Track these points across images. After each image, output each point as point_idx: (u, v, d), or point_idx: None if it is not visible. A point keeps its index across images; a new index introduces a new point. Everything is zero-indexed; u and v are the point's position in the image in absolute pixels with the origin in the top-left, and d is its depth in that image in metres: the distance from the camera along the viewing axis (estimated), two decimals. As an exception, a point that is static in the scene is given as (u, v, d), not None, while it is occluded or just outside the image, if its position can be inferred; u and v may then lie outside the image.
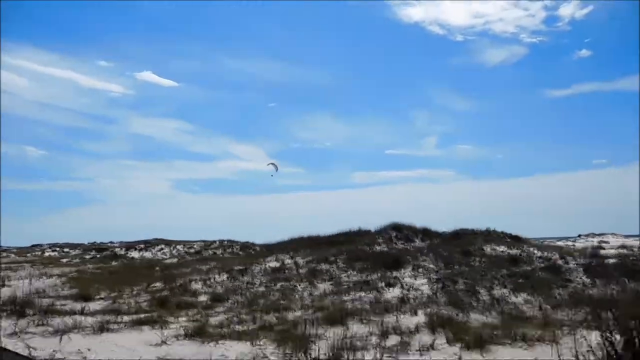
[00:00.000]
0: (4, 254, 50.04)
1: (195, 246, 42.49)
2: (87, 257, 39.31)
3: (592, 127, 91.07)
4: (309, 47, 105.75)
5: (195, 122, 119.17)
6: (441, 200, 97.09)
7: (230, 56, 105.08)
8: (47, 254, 49.92)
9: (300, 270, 18.03)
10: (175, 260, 33.34)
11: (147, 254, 40.31)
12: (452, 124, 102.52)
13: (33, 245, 63.62)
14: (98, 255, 39.59)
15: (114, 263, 33.60)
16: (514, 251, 19.33)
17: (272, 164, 24.52)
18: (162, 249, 41.90)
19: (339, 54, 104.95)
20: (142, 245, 42.44)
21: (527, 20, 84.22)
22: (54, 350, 8.84)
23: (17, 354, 7.85)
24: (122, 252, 40.92)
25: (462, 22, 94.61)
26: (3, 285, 18.65)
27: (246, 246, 41.26)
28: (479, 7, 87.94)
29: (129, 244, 51.50)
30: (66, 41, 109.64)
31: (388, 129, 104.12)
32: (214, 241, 43.36)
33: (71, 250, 52.42)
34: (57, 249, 51.91)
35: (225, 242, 42.87)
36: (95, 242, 60.86)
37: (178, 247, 42.50)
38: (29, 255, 49.03)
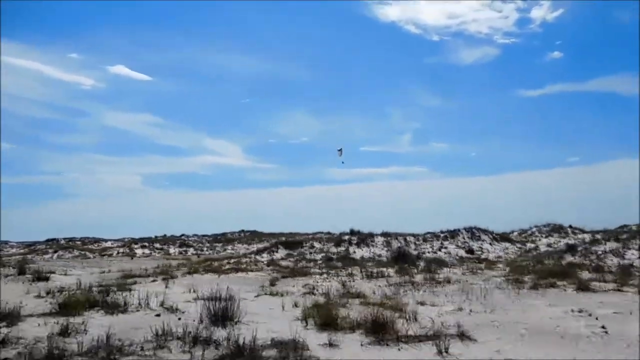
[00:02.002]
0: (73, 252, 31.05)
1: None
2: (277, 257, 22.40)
3: (565, 126, 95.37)
4: (286, 43, 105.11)
5: (168, 116, 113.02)
6: (415, 198, 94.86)
7: (206, 50, 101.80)
8: (119, 250, 31.63)
9: None
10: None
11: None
12: (426, 122, 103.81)
13: (48, 240, 44.20)
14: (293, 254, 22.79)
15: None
16: None
17: (339, 150, 23.04)
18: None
19: (316, 50, 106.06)
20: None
21: (500, 22, 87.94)
22: None
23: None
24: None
25: (437, 22, 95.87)
26: None
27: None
28: (453, 8, 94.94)
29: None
30: (36, 33, 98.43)
31: (363, 125, 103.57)
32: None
33: (163, 246, 34.31)
34: (125, 245, 33.39)
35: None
36: (159, 235, 42.30)
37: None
38: (110, 254, 30.48)
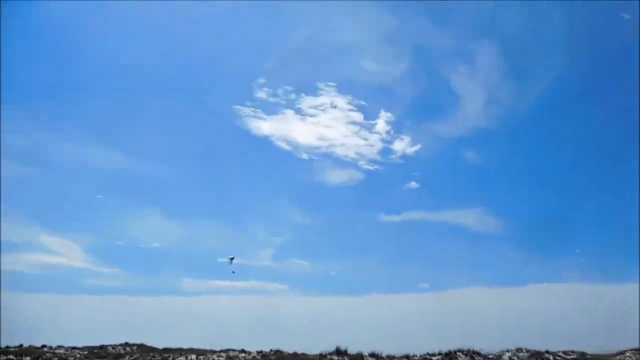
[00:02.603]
0: None
1: None
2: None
3: (419, 253, 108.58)
4: (151, 140, 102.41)
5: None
6: (271, 315, 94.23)
7: (57, 136, 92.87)
8: None
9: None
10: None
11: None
12: (289, 238, 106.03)
13: None
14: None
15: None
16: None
17: (231, 258, 21.63)
18: None
19: (182, 152, 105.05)
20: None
21: (366, 149, 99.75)
22: None
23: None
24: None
25: (308, 142, 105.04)
26: None
27: None
28: (324, 131, 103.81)
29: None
30: None
31: (224, 235, 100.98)
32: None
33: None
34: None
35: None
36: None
37: None
38: None
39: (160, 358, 29.91)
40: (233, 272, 19.00)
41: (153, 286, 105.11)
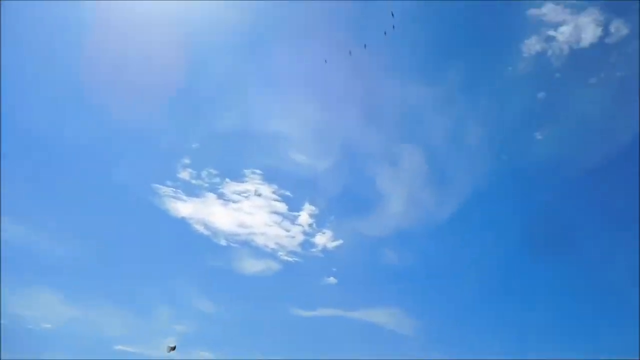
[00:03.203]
0: None
1: None
2: None
3: (331, 351, 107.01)
4: (53, 211, 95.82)
5: None
6: None
7: None
8: None
9: None
10: None
11: None
12: (196, 327, 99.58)
13: None
14: None
15: None
16: None
17: (173, 347, 23.92)
18: None
19: (89, 228, 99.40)
20: None
21: (287, 240, 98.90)
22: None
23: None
24: None
25: (227, 228, 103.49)
26: None
27: None
28: (246, 219, 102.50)
29: None
30: None
31: (124, 320, 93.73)
32: None
33: None
34: None
35: None
36: None
37: None
38: None
39: None
40: (170, 362, 16.49)
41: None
